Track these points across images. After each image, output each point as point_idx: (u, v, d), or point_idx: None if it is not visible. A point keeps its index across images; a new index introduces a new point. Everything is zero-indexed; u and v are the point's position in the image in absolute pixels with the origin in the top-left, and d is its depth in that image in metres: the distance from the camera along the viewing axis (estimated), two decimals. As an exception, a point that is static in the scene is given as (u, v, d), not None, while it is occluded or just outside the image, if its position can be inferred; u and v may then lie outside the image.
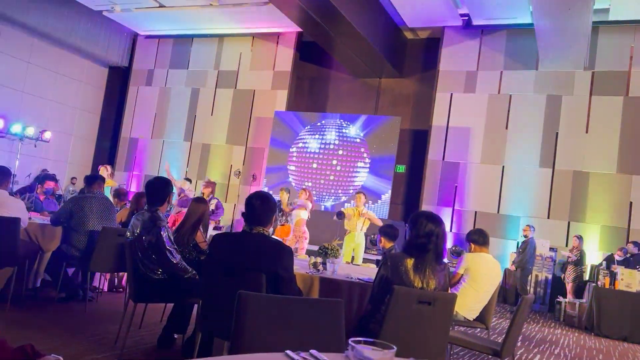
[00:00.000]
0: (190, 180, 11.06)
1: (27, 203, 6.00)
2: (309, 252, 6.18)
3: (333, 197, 12.45)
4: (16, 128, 12.86)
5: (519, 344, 6.09)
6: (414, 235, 3.09)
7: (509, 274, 10.19)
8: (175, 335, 4.23)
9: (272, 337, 1.86)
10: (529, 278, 10.02)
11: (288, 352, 1.38)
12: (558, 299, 9.19)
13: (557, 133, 11.03)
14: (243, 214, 3.03)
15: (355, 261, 7.20)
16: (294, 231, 7.98)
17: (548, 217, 10.87)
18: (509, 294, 10.22)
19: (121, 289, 6.19)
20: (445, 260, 10.28)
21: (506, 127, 11.47)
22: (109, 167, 8.91)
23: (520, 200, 11.17)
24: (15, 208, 4.73)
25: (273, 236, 3.12)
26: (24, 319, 4.44)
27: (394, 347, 1.20)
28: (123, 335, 3.86)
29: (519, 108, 11.40)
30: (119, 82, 16.08)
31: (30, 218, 5.30)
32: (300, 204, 8.31)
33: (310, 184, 12.56)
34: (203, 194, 8.59)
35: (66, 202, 5.45)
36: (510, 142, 11.38)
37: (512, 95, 11.50)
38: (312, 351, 1.41)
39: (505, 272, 10.28)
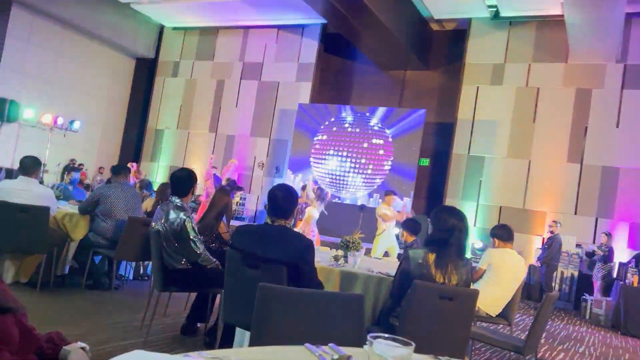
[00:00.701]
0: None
1: (56, 192, 6.13)
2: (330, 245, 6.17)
3: (355, 190, 12.43)
4: (46, 118, 13.15)
5: (542, 341, 6.01)
6: (436, 229, 3.07)
7: (533, 270, 10.05)
8: (198, 324, 4.30)
9: (293, 329, 1.87)
10: (554, 275, 9.86)
11: (307, 345, 1.39)
12: (584, 297, 9.04)
13: (586, 127, 10.80)
14: (265, 207, 3.07)
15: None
16: (301, 228, 7.93)
17: (575, 213, 10.67)
18: (533, 290, 10.08)
19: (146, 278, 6.30)
20: (469, 255, 10.20)
21: (533, 121, 11.27)
22: (134, 165, 9.09)
23: (546, 196, 10.98)
24: (45, 197, 4.85)
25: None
26: (52, 305, 4.56)
27: (413, 343, 1.20)
28: (148, 322, 3.94)
29: (547, 101, 11.18)
30: (145, 73, 16.29)
31: (59, 207, 5.43)
32: (310, 203, 8.23)
33: (329, 178, 12.56)
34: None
35: (93, 191, 5.57)
36: (538, 136, 11.18)
37: (540, 88, 11.28)
38: (332, 344, 1.42)
39: (530, 268, 10.13)
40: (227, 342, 3.83)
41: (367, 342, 1.21)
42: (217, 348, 3.36)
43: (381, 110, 12.51)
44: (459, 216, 3.06)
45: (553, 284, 9.76)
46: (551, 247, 9.53)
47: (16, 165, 5.41)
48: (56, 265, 5.22)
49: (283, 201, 3.00)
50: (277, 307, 1.88)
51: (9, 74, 12.67)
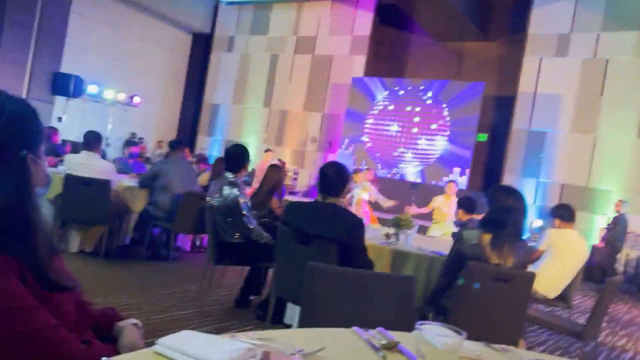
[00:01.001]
0: None
1: (117, 165, 6.37)
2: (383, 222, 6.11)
3: (411, 166, 12.24)
4: (108, 94, 13.63)
5: (603, 325, 5.77)
6: (492, 209, 2.98)
7: (595, 250, 9.63)
8: (251, 297, 4.39)
9: (342, 309, 1.86)
10: (619, 256, 9.40)
11: (355, 328, 1.37)
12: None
13: (659, 100, 10.10)
14: (317, 184, 3.05)
15: None
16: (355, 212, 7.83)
17: (644, 192, 10.09)
18: (595, 272, 9.67)
19: (202, 249, 6.48)
20: (526, 234, 9.88)
21: (601, 94, 10.64)
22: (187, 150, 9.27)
23: (612, 173, 10.42)
24: (106, 171, 5.05)
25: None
26: (115, 274, 4.78)
27: (464, 332, 1.16)
28: (203, 294, 4.06)
29: (617, 73, 10.51)
30: (202, 48, 16.51)
31: (119, 180, 5.65)
32: (360, 185, 8.10)
33: (386, 147, 12.41)
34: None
35: (152, 166, 5.74)
36: (605, 110, 10.56)
37: (609, 59, 10.61)
38: (380, 329, 1.39)
39: (592, 248, 9.71)
40: (279, 316, 3.89)
41: (416, 328, 1.18)
42: (269, 322, 3.43)
43: (437, 84, 12.17)
44: (517, 196, 2.95)
45: (617, 266, 9.32)
46: (616, 227, 9.08)
47: (81, 139, 5.68)
48: (118, 236, 5.46)
49: (334, 179, 2.99)
50: (326, 286, 1.86)
51: (73, 51, 13.15)
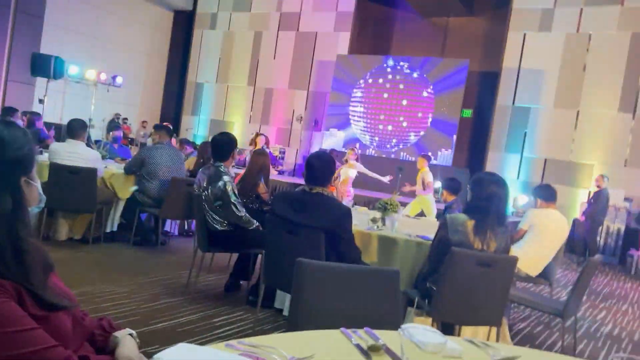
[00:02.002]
0: None
1: (101, 151, 6.34)
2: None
3: (396, 144, 12.30)
4: (90, 74, 13.40)
5: (584, 298, 5.95)
6: (475, 196, 3.04)
7: (578, 224, 9.83)
8: (241, 282, 4.46)
9: (330, 303, 1.92)
10: (600, 229, 9.62)
11: (343, 329, 1.43)
12: (630, 252, 8.83)
13: (640, 75, 10.22)
14: (303, 174, 3.09)
15: None
16: (338, 189, 7.91)
17: (625, 165, 10.28)
18: (576, 245, 9.90)
19: (191, 233, 6.52)
20: (510, 209, 10.02)
21: (583, 69, 10.73)
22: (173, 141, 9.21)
23: (595, 147, 10.59)
24: (91, 159, 5.02)
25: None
26: (103, 261, 4.81)
27: (446, 337, 1.22)
28: (193, 280, 4.11)
29: (599, 48, 10.59)
30: (184, 26, 16.26)
31: (105, 167, 5.63)
32: (346, 165, 8.16)
33: (371, 125, 12.45)
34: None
35: (138, 152, 5.72)
36: (588, 85, 10.67)
37: (592, 34, 10.67)
38: (367, 329, 1.45)
39: (574, 222, 9.92)
40: (269, 300, 3.98)
41: (400, 329, 1.23)
42: (259, 307, 3.50)
43: (422, 60, 12.16)
44: (499, 183, 3.01)
45: (598, 239, 9.55)
46: (597, 202, 9.25)
47: (64, 121, 5.61)
48: (105, 223, 5.47)
49: (320, 170, 3.05)
50: (314, 281, 1.92)
51: (53, 31, 12.88)
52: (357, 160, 8.36)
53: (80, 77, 13.35)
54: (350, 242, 3.03)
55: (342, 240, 2.98)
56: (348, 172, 8.07)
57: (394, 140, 12.29)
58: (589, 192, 10.25)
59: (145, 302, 3.82)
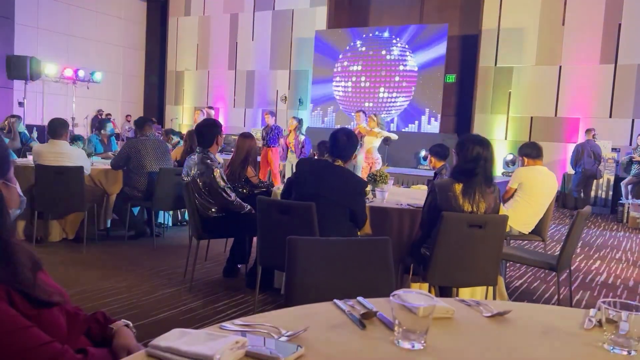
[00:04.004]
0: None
1: (86, 149, 6.28)
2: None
3: (384, 114, 12.28)
4: (68, 72, 13.21)
5: (577, 250, 6.05)
6: (462, 160, 3.06)
7: (568, 178, 9.93)
8: (239, 266, 4.48)
9: (324, 277, 1.94)
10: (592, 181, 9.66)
11: (335, 301, 1.45)
12: (621, 201, 8.94)
13: (619, 24, 10.22)
14: (325, 145, 3.32)
15: None
16: (366, 159, 7.93)
17: (610, 117, 10.35)
18: (568, 199, 10.02)
19: (185, 223, 6.51)
20: (500, 169, 10.09)
21: (562, 24, 10.71)
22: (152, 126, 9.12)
23: (579, 101, 10.64)
24: (76, 157, 4.98)
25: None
26: (99, 259, 4.81)
27: (437, 299, 1.24)
28: (190, 269, 4.13)
29: (577, 1, 10.55)
30: (158, 15, 16.00)
31: (92, 164, 5.59)
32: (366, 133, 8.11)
33: (356, 99, 12.40)
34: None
35: (122, 146, 5.68)
36: (568, 40, 10.66)
37: (568, -13, 10.62)
38: (360, 298, 1.47)
39: (564, 176, 10.02)
40: (268, 281, 4.01)
41: (392, 296, 1.25)
42: (258, 289, 3.53)
43: (401, 29, 12.07)
44: (484, 144, 3.03)
45: (590, 191, 9.60)
46: (585, 154, 9.25)
47: (46, 122, 5.51)
48: (98, 220, 5.46)
49: (345, 146, 3.28)
50: (306, 257, 1.93)
51: (25, 31, 12.64)
52: (379, 125, 8.19)
53: (58, 76, 13.17)
54: (363, 213, 3.31)
55: (357, 210, 3.26)
56: (372, 141, 8.04)
57: (384, 114, 12.27)
58: (580, 145, 10.29)
59: (145, 295, 3.84)
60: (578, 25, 10.54)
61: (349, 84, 12.65)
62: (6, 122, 8.19)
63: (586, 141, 9.22)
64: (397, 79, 12.12)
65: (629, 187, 9.03)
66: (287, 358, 1.04)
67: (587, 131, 9.35)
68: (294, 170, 3.52)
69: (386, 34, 12.22)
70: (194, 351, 1.02)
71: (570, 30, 10.63)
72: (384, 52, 12.24)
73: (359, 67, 12.53)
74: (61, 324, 1.13)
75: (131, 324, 1.31)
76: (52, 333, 1.07)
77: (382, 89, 12.26)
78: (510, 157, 10.75)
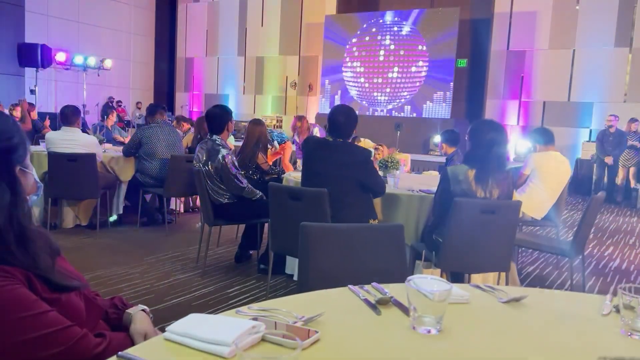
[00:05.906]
0: None
1: (99, 136, 6.32)
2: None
3: (396, 100, 12.20)
4: (78, 59, 13.25)
5: (591, 236, 6.00)
6: (475, 145, 3.03)
7: (581, 164, 9.83)
8: (250, 252, 4.51)
9: (337, 263, 1.94)
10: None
11: (350, 286, 1.45)
12: (635, 186, 8.84)
13: (634, 7, 10.02)
14: (325, 127, 3.35)
15: None
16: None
17: (624, 101, 10.20)
18: (581, 185, 9.92)
19: (197, 209, 6.55)
20: (512, 156, 9.98)
21: (577, 5, 10.52)
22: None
23: (593, 85, 10.48)
24: (89, 144, 5.02)
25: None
26: (112, 245, 4.85)
27: (452, 285, 1.24)
28: (203, 255, 4.16)
29: (592, -17, 10.37)
30: (167, 1, 15.95)
31: (104, 150, 5.62)
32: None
33: (367, 85, 12.33)
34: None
35: (134, 133, 5.70)
36: (582, 23, 10.48)
37: (583, -31, 10.42)
38: (374, 283, 1.47)
39: (577, 162, 9.91)
40: (280, 267, 4.03)
41: (407, 281, 1.25)
42: (270, 274, 3.55)
43: (411, 12, 11.93)
44: (497, 129, 3.00)
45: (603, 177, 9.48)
46: (606, 139, 9.07)
47: (58, 110, 5.57)
48: (111, 207, 5.50)
49: (344, 125, 3.25)
50: (319, 243, 1.93)
51: (36, 19, 12.66)
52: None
53: (69, 63, 13.22)
54: (377, 181, 3.28)
55: (371, 176, 3.25)
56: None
57: (393, 104, 12.19)
58: (590, 130, 10.18)
59: (158, 280, 3.88)
60: (592, 7, 10.36)
61: (360, 69, 12.56)
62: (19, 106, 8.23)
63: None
64: (408, 62, 12.00)
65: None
66: (304, 342, 1.05)
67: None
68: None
69: (397, 18, 12.09)
70: (212, 336, 1.02)
71: (585, 12, 10.45)
72: (394, 36, 12.12)
73: (370, 52, 12.42)
74: (80, 308, 1.14)
75: (148, 309, 1.33)
76: (72, 317, 1.08)
77: (395, 68, 12.15)
78: (522, 142, 10.65)
